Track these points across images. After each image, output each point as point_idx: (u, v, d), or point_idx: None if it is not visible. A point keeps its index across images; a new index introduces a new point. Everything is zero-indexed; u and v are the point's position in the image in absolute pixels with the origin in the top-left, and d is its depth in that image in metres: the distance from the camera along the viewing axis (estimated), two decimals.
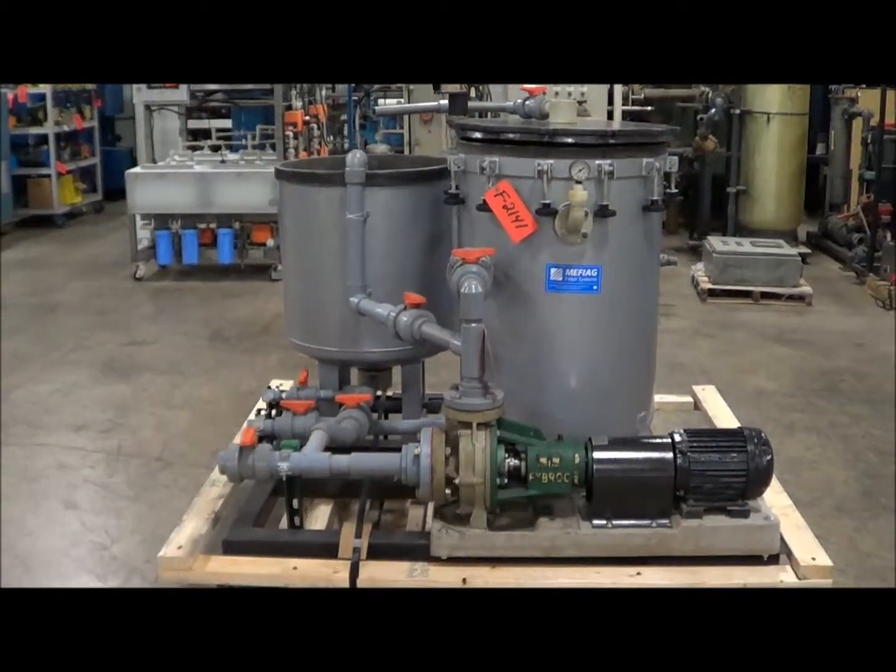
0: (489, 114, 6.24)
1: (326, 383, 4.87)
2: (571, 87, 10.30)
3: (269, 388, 4.99)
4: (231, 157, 11.77)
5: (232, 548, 4.15)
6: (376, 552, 4.01)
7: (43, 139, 14.84)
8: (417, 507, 4.79)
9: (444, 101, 5.15)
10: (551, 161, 4.03)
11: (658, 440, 4.10)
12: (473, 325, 3.89)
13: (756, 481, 4.00)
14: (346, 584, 3.91)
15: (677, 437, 4.02)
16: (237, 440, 4.33)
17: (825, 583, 4.02)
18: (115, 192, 15.75)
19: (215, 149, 12.21)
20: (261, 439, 4.27)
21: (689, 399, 5.90)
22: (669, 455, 3.97)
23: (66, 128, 15.04)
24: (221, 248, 11.34)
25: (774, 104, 12.32)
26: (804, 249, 12.36)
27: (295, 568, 4.00)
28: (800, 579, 3.98)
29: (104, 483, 6.04)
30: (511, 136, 4.20)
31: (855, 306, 10.54)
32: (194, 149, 12.34)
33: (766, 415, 6.99)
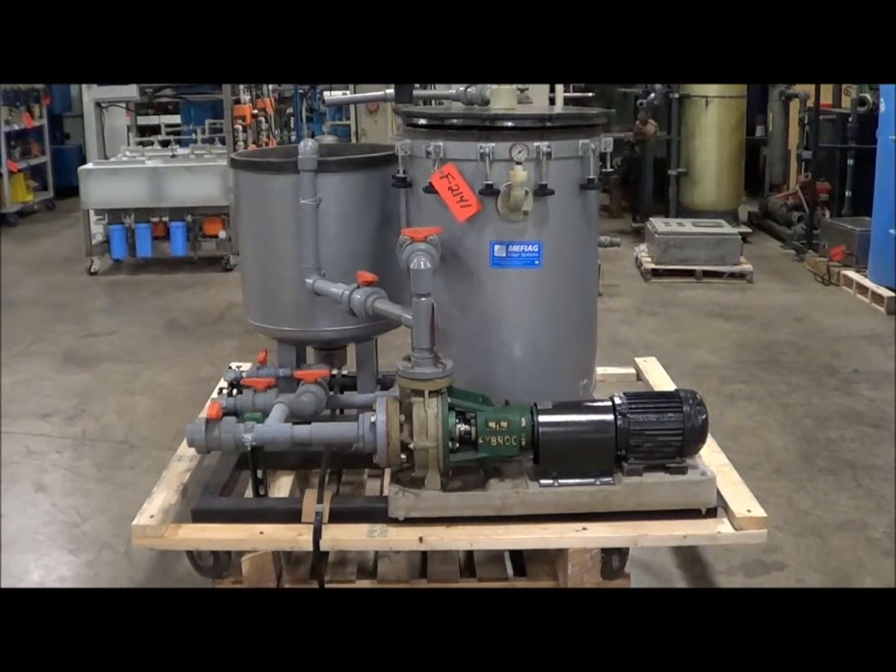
0: (433, 101, 6.40)
1: (285, 362, 5.05)
2: None
3: (230, 368, 5.18)
4: (181, 151, 11.92)
5: (200, 516, 4.31)
6: (337, 516, 4.19)
7: None
8: (374, 479, 5.00)
9: (390, 91, 5.30)
10: (492, 144, 4.24)
11: (599, 403, 4.30)
12: (423, 298, 4.09)
13: (692, 439, 4.20)
14: (310, 547, 4.11)
15: (617, 400, 4.23)
16: (203, 415, 4.51)
17: (760, 533, 4.23)
18: (66, 189, 15.84)
19: (165, 144, 12.34)
20: (224, 415, 4.46)
21: (632, 371, 6.09)
22: (610, 417, 4.17)
23: (16, 126, 15.08)
24: (174, 240, 11.51)
25: (713, 88, 12.50)
26: (745, 229, 12.63)
27: (261, 533, 4.18)
28: (736, 530, 4.19)
29: (72, 466, 6.23)
30: (454, 121, 4.40)
31: (795, 282, 10.82)
32: (144, 144, 12.46)
33: (707, 386, 7.23)
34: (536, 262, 4.36)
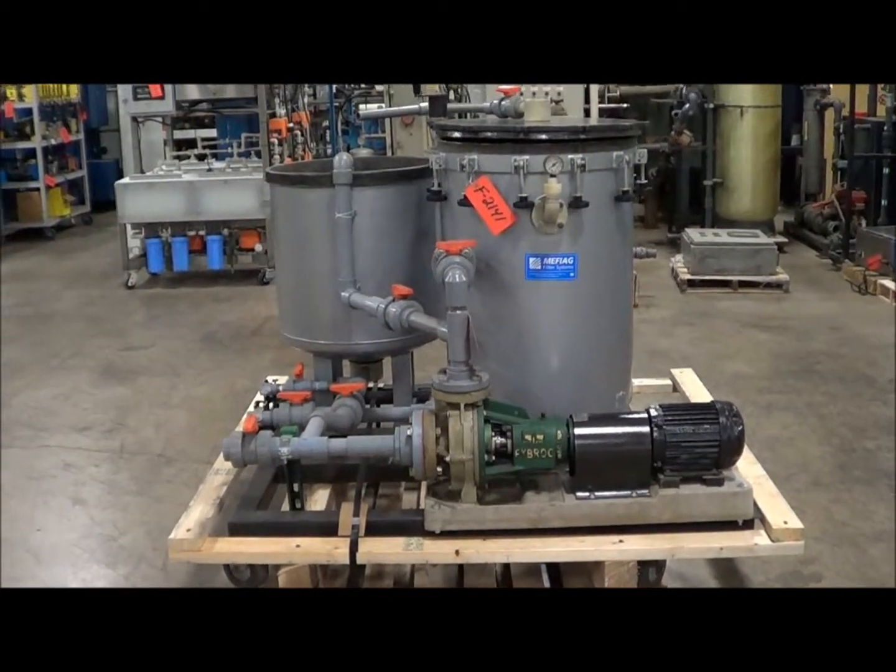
0: (468, 114, 6.42)
1: (321, 375, 5.07)
2: (548, 87, 10.57)
3: (267, 381, 5.20)
4: (217, 165, 11.96)
5: (237, 529, 4.34)
6: (374, 529, 4.21)
7: (31, 153, 14.99)
8: (411, 491, 5.01)
9: (425, 104, 5.33)
10: (527, 157, 4.24)
11: (635, 415, 4.30)
12: (458, 312, 4.10)
13: (729, 451, 4.19)
14: (347, 560, 4.13)
15: (653, 412, 4.22)
16: (240, 428, 4.53)
17: (797, 545, 4.22)
18: (103, 203, 15.94)
19: (201, 158, 12.38)
20: (261, 429, 4.48)
21: (668, 382, 6.08)
22: (646, 429, 4.17)
23: (53, 141, 15.16)
24: (211, 254, 11.56)
25: (747, 97, 12.48)
26: (781, 239, 12.57)
27: (298, 546, 4.21)
28: (773, 542, 4.18)
29: (109, 480, 6.26)
30: (488, 134, 4.41)
31: (831, 292, 10.76)
32: (181, 158, 12.51)
33: (744, 397, 7.20)
34: (572, 275, 4.36)
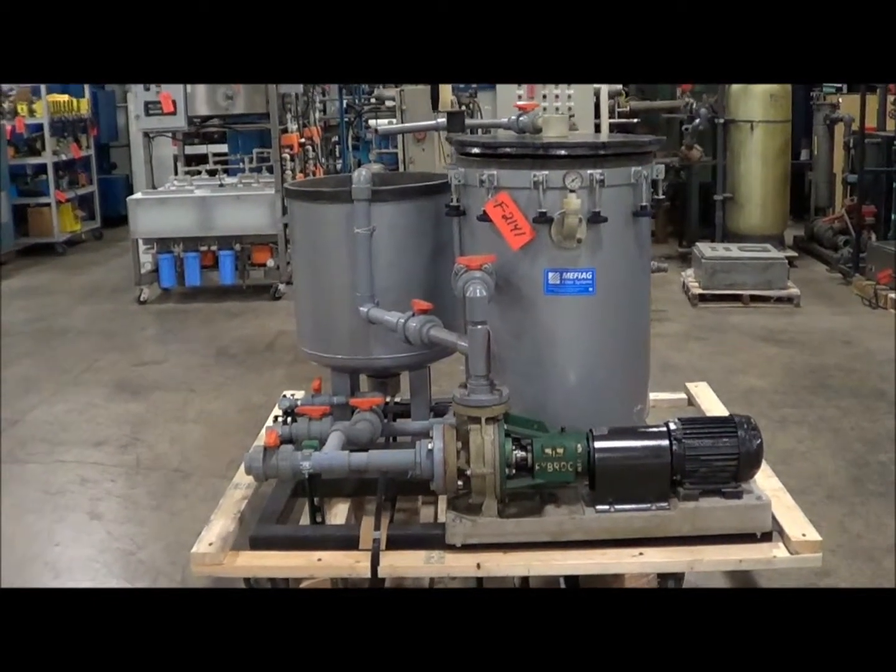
0: (479, 130, 6.43)
1: (339, 390, 5.08)
2: (559, 103, 10.62)
3: (285, 396, 5.22)
4: (229, 180, 12.01)
5: (258, 543, 4.34)
6: (395, 543, 4.21)
7: (41, 169, 15.09)
8: (428, 505, 5.03)
9: (442, 120, 5.36)
10: (546, 172, 4.25)
11: (654, 429, 4.30)
12: (479, 326, 4.10)
13: (747, 464, 4.20)
14: (368, 574, 4.13)
15: (672, 426, 4.23)
16: (260, 442, 4.55)
17: (815, 557, 4.22)
18: (113, 218, 16.04)
19: (212, 173, 12.43)
20: (281, 443, 4.49)
21: (683, 396, 6.09)
22: (665, 442, 4.17)
23: (63, 157, 15.27)
24: (223, 269, 11.63)
25: (757, 112, 12.55)
26: (792, 253, 12.61)
27: (319, 560, 4.20)
28: (792, 554, 4.18)
29: (126, 494, 6.30)
30: (508, 150, 4.42)
31: (842, 306, 10.80)
32: (192, 174, 12.56)
33: (757, 411, 7.21)
34: (590, 290, 4.37)
